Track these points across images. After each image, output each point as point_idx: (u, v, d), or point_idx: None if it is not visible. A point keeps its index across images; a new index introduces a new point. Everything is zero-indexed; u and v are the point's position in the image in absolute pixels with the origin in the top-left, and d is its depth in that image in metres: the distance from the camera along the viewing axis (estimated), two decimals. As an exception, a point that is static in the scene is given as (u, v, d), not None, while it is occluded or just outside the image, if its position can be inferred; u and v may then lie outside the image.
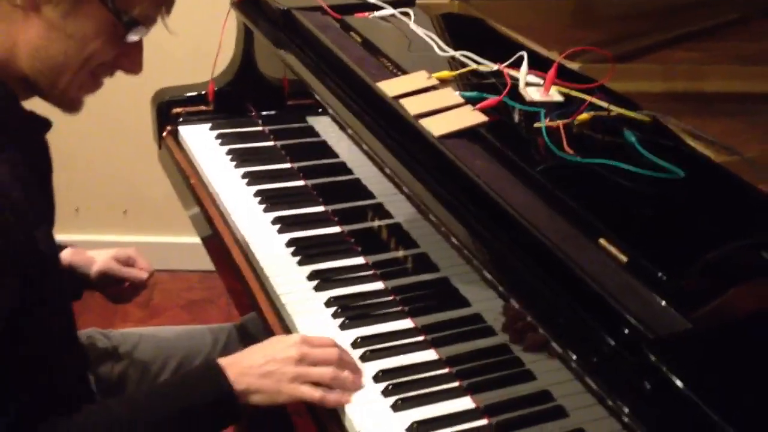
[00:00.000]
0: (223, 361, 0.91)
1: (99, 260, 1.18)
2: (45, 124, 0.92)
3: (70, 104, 0.90)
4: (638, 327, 0.70)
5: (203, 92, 1.47)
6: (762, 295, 0.78)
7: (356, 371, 0.94)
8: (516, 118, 1.03)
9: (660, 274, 0.75)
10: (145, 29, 0.87)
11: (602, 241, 0.80)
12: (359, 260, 1.15)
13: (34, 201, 0.86)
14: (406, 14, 1.30)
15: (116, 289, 1.21)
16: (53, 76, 0.86)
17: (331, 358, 0.92)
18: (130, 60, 0.90)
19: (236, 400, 0.89)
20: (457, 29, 1.34)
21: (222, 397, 0.88)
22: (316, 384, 0.90)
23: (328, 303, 1.06)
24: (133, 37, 0.87)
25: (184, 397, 0.89)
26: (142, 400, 0.92)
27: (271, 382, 0.89)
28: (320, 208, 1.26)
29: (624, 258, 0.78)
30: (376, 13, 1.32)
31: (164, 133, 1.47)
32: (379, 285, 1.10)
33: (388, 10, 1.32)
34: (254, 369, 0.89)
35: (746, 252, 0.79)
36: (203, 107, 1.48)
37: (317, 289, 1.08)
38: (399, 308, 1.06)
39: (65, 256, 1.15)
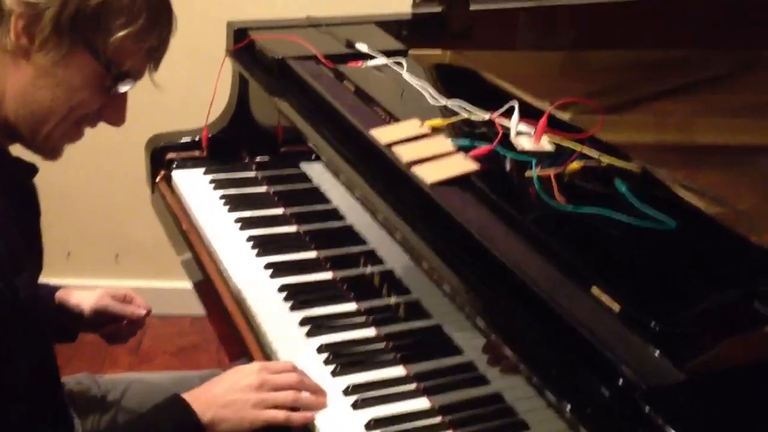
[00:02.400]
0: (187, 396, 0.92)
1: (94, 298, 1.16)
2: (31, 170, 0.92)
3: (50, 152, 0.91)
4: (631, 377, 0.70)
5: (197, 138, 1.49)
6: (755, 345, 0.78)
7: (319, 392, 0.96)
8: (507, 166, 1.04)
9: (653, 323, 0.75)
10: (132, 82, 0.89)
11: (594, 289, 0.81)
12: (351, 306, 1.14)
13: (16, 248, 0.85)
14: (399, 64, 1.32)
15: (112, 327, 1.19)
16: (37, 122, 0.86)
17: (291, 382, 0.94)
18: (115, 112, 0.91)
19: None
20: (450, 79, 1.36)
21: (190, 430, 0.89)
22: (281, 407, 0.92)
23: (320, 349, 1.05)
24: (120, 90, 0.88)
25: None
26: None
27: (234, 411, 0.90)
28: (313, 254, 1.26)
29: (617, 307, 0.78)
30: (369, 63, 1.34)
31: (157, 178, 1.48)
32: (371, 332, 1.10)
33: (381, 60, 1.34)
34: (217, 399, 0.91)
35: (739, 302, 0.79)
36: (197, 153, 1.49)
37: (309, 335, 1.08)
38: (391, 355, 1.05)
39: (57, 296, 1.14)
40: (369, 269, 1.17)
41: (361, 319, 1.12)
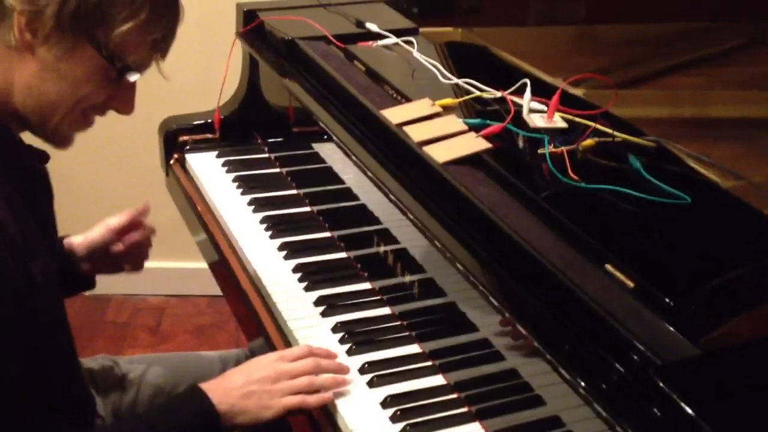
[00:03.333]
0: (205, 386, 0.93)
1: (98, 237, 1.15)
2: (42, 156, 0.93)
3: (60, 141, 0.92)
4: (645, 353, 0.70)
5: (209, 120, 1.49)
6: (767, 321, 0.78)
7: (340, 370, 0.97)
8: (520, 144, 1.03)
9: (667, 299, 0.75)
10: (138, 74, 0.89)
11: (608, 266, 0.81)
12: (366, 286, 1.15)
13: (30, 232, 0.87)
14: (410, 43, 1.32)
15: (122, 255, 1.17)
16: (45, 113, 0.87)
17: (308, 368, 0.95)
18: (122, 102, 0.91)
19: (221, 422, 0.91)
20: (461, 57, 1.35)
21: (207, 420, 0.90)
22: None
23: (335, 329, 1.06)
24: (125, 82, 0.88)
25: (170, 422, 0.91)
26: (128, 428, 0.94)
27: (252, 402, 0.92)
28: (326, 234, 1.27)
29: (631, 283, 0.78)
30: (380, 42, 1.34)
31: (171, 161, 1.49)
32: (386, 310, 1.11)
33: (392, 39, 1.34)
34: (235, 391, 0.92)
35: (754, 277, 0.79)
36: (209, 135, 1.49)
37: (324, 314, 1.09)
38: (406, 333, 1.06)
39: (66, 245, 1.14)
40: (382, 248, 1.18)
41: (376, 297, 1.12)
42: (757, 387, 0.69)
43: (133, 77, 0.89)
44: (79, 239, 1.15)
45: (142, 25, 0.86)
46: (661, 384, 0.66)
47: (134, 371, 1.16)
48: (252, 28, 1.45)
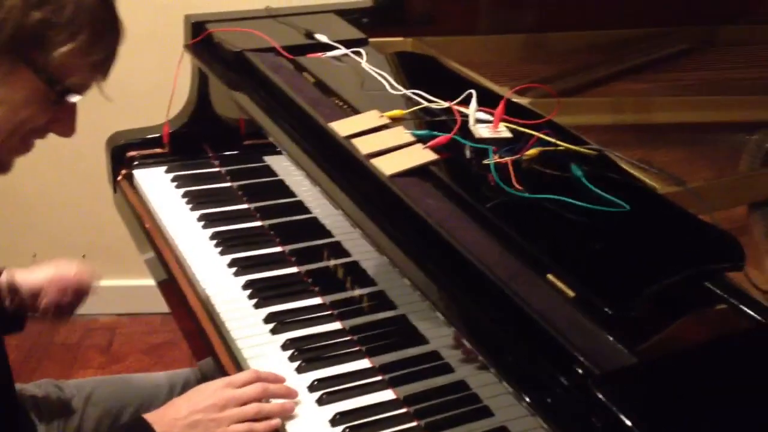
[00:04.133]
0: (150, 416, 0.91)
1: (41, 280, 1.12)
2: None
3: (0, 167, 0.89)
4: (585, 363, 0.70)
5: (158, 135, 1.47)
6: (706, 325, 0.79)
7: (288, 394, 0.96)
8: (466, 155, 1.04)
9: (606, 308, 0.75)
10: (78, 96, 0.87)
11: (550, 276, 0.81)
12: (317, 300, 1.14)
13: None
14: (360, 53, 1.32)
15: (53, 304, 1.14)
16: None
17: (254, 395, 0.93)
18: (63, 125, 0.89)
19: None
20: (411, 67, 1.35)
21: None
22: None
23: (285, 346, 1.05)
24: (66, 104, 0.86)
25: None
26: None
27: (199, 431, 0.90)
28: (277, 249, 1.26)
29: (571, 293, 0.79)
30: (329, 53, 1.33)
31: (119, 177, 1.46)
32: (336, 325, 1.10)
33: (341, 50, 1.33)
34: (180, 421, 0.90)
35: (690, 283, 0.80)
36: (158, 150, 1.47)
37: (274, 331, 1.08)
38: (357, 348, 1.05)
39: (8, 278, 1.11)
40: (334, 262, 1.17)
41: (326, 312, 1.12)
42: (695, 393, 0.70)
43: (73, 99, 0.87)
44: (22, 275, 1.12)
45: (81, 47, 0.84)
46: (599, 394, 0.66)
47: (79, 395, 1.14)
48: (201, 40, 1.43)
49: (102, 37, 0.86)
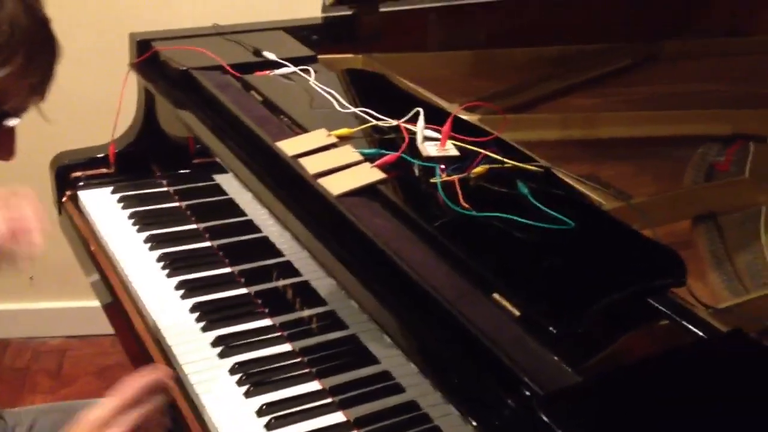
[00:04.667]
0: None
1: None
2: None
3: None
4: (529, 384, 0.70)
5: (104, 154, 1.44)
6: (650, 341, 0.80)
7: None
8: (413, 174, 1.03)
9: (551, 327, 0.76)
10: (17, 119, 0.85)
11: (496, 295, 0.81)
12: (266, 322, 1.13)
13: None
14: (308, 71, 1.31)
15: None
16: None
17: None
18: (2, 149, 0.87)
19: None
20: (359, 85, 1.35)
21: None
22: None
23: (233, 370, 1.03)
24: (4, 128, 0.84)
25: None
26: None
27: None
28: (226, 270, 1.24)
29: (517, 312, 0.79)
30: (277, 71, 1.32)
31: (64, 199, 1.43)
32: (286, 347, 1.08)
33: (290, 68, 1.32)
34: None
35: (633, 300, 0.81)
36: (104, 170, 1.44)
37: (222, 355, 1.06)
38: (306, 370, 1.04)
39: None
40: (284, 282, 1.16)
41: (276, 334, 1.10)
42: (639, 410, 0.70)
43: (11, 123, 0.85)
44: None
45: (17, 70, 0.82)
46: (543, 415, 0.66)
47: (22, 424, 1.11)
48: (147, 59, 1.41)
49: (38, 58, 0.84)
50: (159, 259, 1.25)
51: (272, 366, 1.04)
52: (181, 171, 1.46)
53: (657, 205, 1.10)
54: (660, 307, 0.81)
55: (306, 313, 1.11)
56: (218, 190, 1.36)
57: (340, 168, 1.04)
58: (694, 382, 0.72)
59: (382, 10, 1.61)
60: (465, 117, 1.25)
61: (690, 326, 0.79)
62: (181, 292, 1.17)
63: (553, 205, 0.93)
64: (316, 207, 1.01)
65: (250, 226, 1.26)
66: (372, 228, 0.93)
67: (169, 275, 1.21)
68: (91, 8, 1.95)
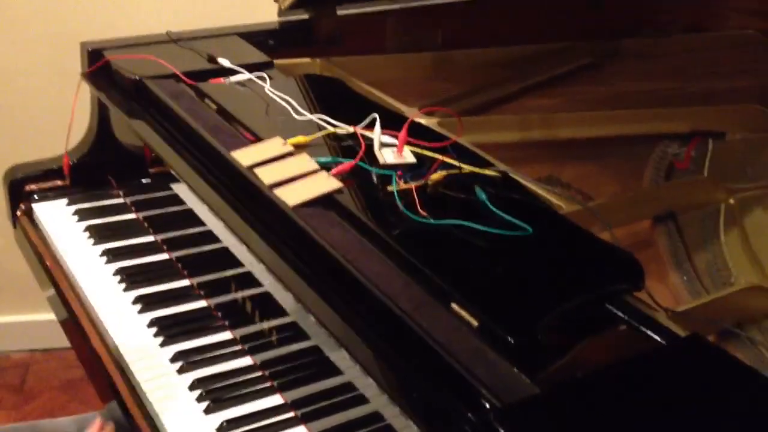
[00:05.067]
0: None
1: None
2: None
3: None
4: (487, 396, 0.69)
5: (58, 166, 1.41)
6: (608, 348, 0.80)
7: None
8: (371, 182, 1.02)
9: (508, 336, 0.75)
10: None
11: (454, 305, 0.80)
12: (226, 335, 1.11)
13: None
14: (264, 77, 1.29)
15: None
16: None
17: None
18: None
19: None
20: (316, 91, 1.33)
21: None
22: None
23: (192, 386, 1.01)
24: None
25: None
26: None
27: None
28: (185, 282, 1.21)
29: (475, 322, 0.78)
30: (232, 78, 1.30)
31: (18, 213, 1.40)
32: (247, 360, 1.07)
33: (245, 75, 1.30)
34: None
35: (591, 306, 0.81)
36: (59, 182, 1.41)
37: (181, 371, 1.04)
38: (268, 384, 1.02)
39: None
40: (245, 293, 1.14)
41: (237, 348, 1.08)
42: (598, 418, 0.70)
43: None
44: None
45: None
46: (500, 429, 0.66)
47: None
48: (99, 68, 1.38)
49: None
50: (116, 273, 1.22)
51: (232, 381, 1.03)
52: (138, 181, 1.43)
53: (616, 206, 1.10)
54: (618, 313, 0.81)
55: (267, 324, 1.09)
56: (176, 199, 1.33)
57: (296, 177, 1.03)
58: (652, 390, 0.72)
59: (339, 13, 1.60)
60: (423, 121, 1.24)
61: (648, 332, 0.78)
62: (139, 306, 1.15)
63: (511, 211, 0.93)
64: (272, 218, 0.99)
65: (210, 237, 1.23)
66: (328, 239, 0.92)
67: (126, 289, 1.19)
68: (42, 18, 1.90)
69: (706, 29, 1.86)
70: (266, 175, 1.03)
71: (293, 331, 1.04)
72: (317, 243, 0.92)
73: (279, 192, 1.00)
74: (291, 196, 0.99)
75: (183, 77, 1.29)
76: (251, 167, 1.05)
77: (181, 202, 1.32)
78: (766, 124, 1.36)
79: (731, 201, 1.15)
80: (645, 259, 0.99)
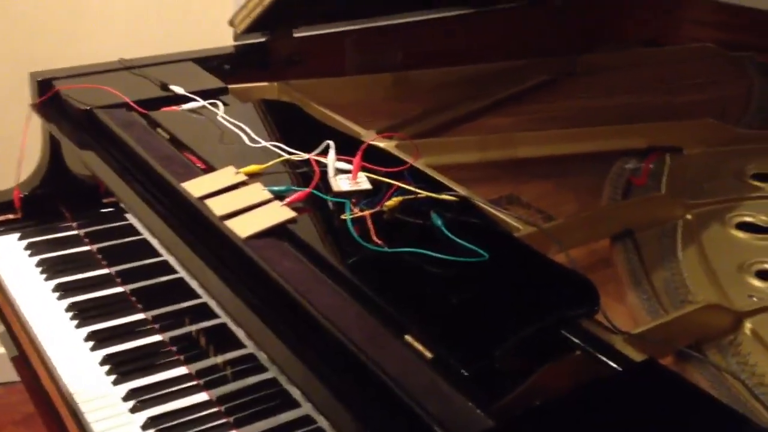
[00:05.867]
0: None
1: None
2: None
3: None
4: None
5: (9, 199, 1.37)
6: (564, 375, 0.78)
7: None
8: (325, 210, 1.01)
9: (462, 368, 0.73)
10: None
11: (408, 337, 0.79)
12: (182, 371, 1.08)
13: None
14: (218, 104, 1.27)
15: None
16: None
17: None
18: None
19: None
20: (273, 117, 1.32)
21: None
22: None
23: (145, 426, 0.98)
24: None
25: None
26: None
27: None
28: (140, 316, 1.19)
29: (429, 354, 0.76)
30: (185, 106, 1.28)
31: (-32, 248, 1.36)
32: (202, 396, 1.04)
33: (198, 102, 1.28)
34: None
35: (546, 333, 0.79)
36: (10, 216, 1.38)
37: (133, 410, 1.01)
38: (224, 420, 1.00)
39: None
40: (201, 325, 1.11)
41: (192, 383, 1.06)
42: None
43: None
44: None
45: None
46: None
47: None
48: (49, 98, 1.35)
49: None
50: (68, 309, 1.19)
51: (187, 418, 1.00)
52: (93, 211, 1.40)
53: (574, 226, 1.09)
54: (573, 339, 0.80)
55: (224, 357, 1.06)
56: (131, 230, 1.30)
57: (249, 208, 1.01)
58: (607, 419, 0.71)
59: (296, 35, 1.59)
60: (382, 144, 1.23)
61: (603, 358, 0.77)
62: (91, 343, 1.12)
63: (467, 236, 0.92)
64: (224, 251, 0.97)
65: (165, 267, 1.21)
66: (280, 270, 0.90)
67: (78, 326, 1.16)
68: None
69: (663, 43, 1.87)
70: (217, 206, 1.01)
71: (251, 364, 1.01)
72: (269, 275, 0.90)
73: (230, 223, 0.98)
74: (243, 227, 0.97)
75: (135, 106, 1.27)
76: (202, 198, 1.03)
77: (136, 232, 1.29)
78: (723, 139, 1.37)
79: (689, 217, 1.15)
80: (603, 279, 0.99)
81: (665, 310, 0.99)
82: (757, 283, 0.99)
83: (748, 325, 0.92)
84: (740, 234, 1.10)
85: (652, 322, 0.93)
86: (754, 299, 0.96)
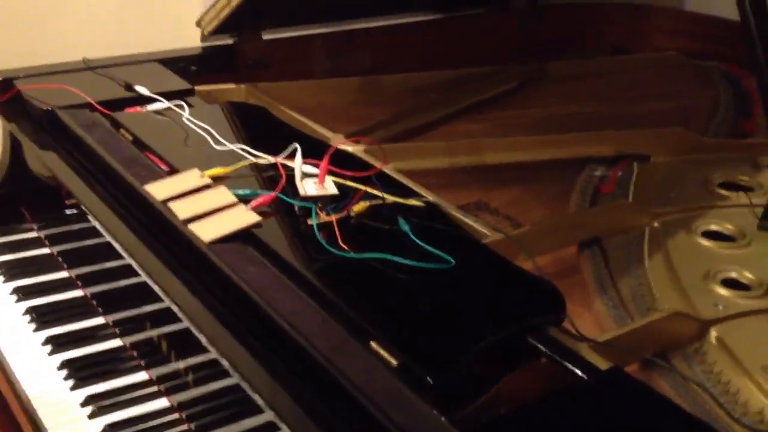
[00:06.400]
0: None
1: None
2: None
3: None
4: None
5: (-33, 201, 1.34)
6: (530, 383, 0.78)
7: None
8: (291, 215, 0.99)
9: (428, 376, 0.72)
10: None
11: (373, 344, 0.78)
12: (142, 376, 1.06)
13: None
14: (183, 106, 1.25)
15: None
16: None
17: None
18: None
19: None
20: (239, 119, 1.30)
21: None
22: None
23: (104, 433, 0.96)
24: None
25: None
26: None
27: None
28: (100, 320, 1.16)
29: (394, 362, 0.75)
30: (149, 107, 1.26)
31: (-77, 251, 1.32)
32: (163, 402, 1.02)
33: (163, 103, 1.26)
34: None
35: (512, 340, 0.79)
36: (-31, 218, 1.34)
37: (92, 416, 0.98)
38: (185, 427, 0.98)
39: None
40: (163, 330, 1.09)
41: (153, 389, 1.03)
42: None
43: None
44: None
45: None
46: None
47: None
48: (11, 98, 1.32)
49: None
50: (26, 312, 1.16)
51: (147, 425, 0.98)
52: (54, 213, 1.36)
53: (542, 233, 1.09)
54: (539, 346, 0.79)
55: (186, 362, 1.04)
56: (93, 232, 1.27)
57: (213, 211, 0.99)
58: (572, 427, 0.71)
59: (265, 37, 1.57)
60: (350, 148, 1.22)
61: (569, 366, 0.77)
62: (50, 348, 1.09)
63: (434, 242, 0.91)
64: (187, 255, 0.95)
65: (128, 271, 1.18)
66: (244, 276, 0.88)
67: (36, 329, 1.13)
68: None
69: (631, 51, 1.89)
70: (181, 210, 0.99)
71: (214, 369, 1.00)
72: (232, 280, 0.88)
73: (194, 227, 0.96)
74: (206, 231, 0.95)
75: (97, 106, 1.24)
76: (165, 201, 1.01)
77: (98, 235, 1.27)
78: (690, 147, 1.38)
79: (655, 225, 1.16)
80: (570, 286, 0.99)
81: (631, 317, 0.99)
82: (722, 291, 1.00)
83: (713, 334, 0.92)
84: (706, 242, 1.11)
85: (618, 329, 0.93)
86: (720, 307, 0.97)
